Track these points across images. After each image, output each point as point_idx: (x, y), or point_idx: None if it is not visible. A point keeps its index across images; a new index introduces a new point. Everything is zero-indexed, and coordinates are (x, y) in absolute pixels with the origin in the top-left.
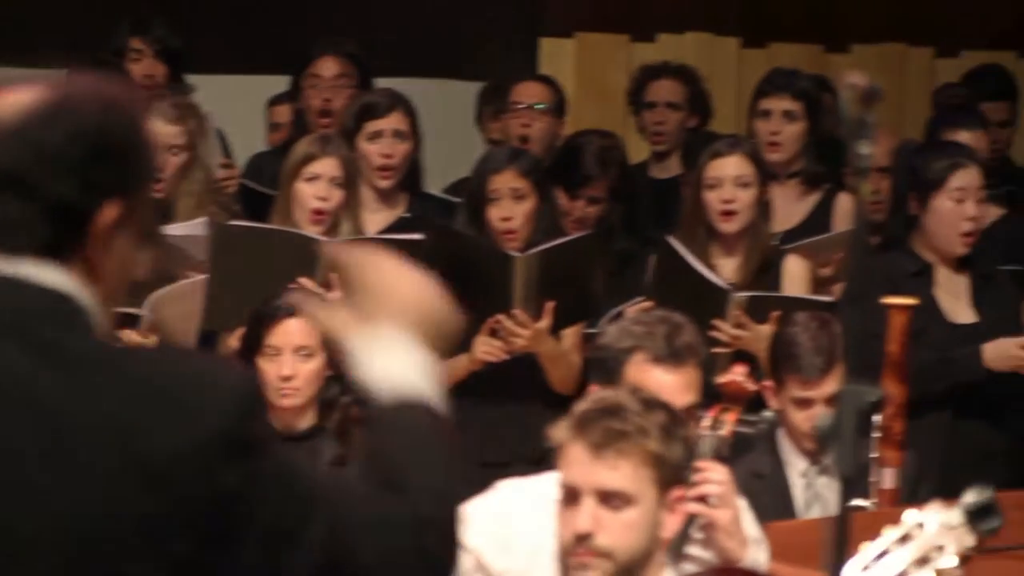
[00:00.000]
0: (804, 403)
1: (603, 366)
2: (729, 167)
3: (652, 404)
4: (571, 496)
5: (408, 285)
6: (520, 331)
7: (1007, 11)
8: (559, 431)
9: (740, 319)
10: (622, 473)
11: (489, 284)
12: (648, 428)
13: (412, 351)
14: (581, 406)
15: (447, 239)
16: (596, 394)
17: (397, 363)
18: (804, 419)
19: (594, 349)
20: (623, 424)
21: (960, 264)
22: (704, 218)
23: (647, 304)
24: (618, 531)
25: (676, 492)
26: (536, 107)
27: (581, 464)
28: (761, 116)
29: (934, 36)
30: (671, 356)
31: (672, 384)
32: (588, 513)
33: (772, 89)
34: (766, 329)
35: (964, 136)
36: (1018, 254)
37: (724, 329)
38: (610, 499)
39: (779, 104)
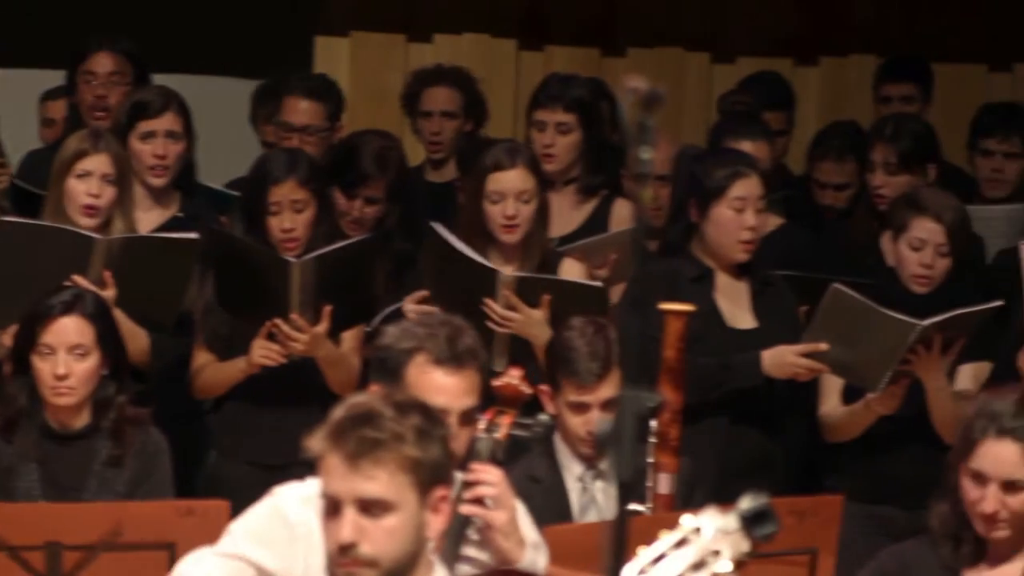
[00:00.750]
0: (580, 407)
1: (384, 366)
2: (511, 181)
3: (406, 407)
4: (332, 506)
5: None
6: (298, 335)
7: (784, 19)
8: (315, 442)
9: (511, 300)
10: (380, 481)
11: (266, 289)
12: (403, 433)
13: None
14: (336, 414)
15: (223, 244)
16: (349, 400)
17: None
18: (580, 424)
19: (375, 349)
20: (377, 432)
21: (740, 270)
22: (484, 227)
23: (422, 294)
24: (381, 539)
25: (438, 492)
26: (309, 129)
27: (338, 475)
28: (536, 127)
29: (710, 42)
30: (452, 359)
31: (452, 387)
32: (349, 523)
33: (546, 100)
34: (538, 314)
35: (747, 145)
36: (794, 262)
37: (495, 309)
38: (370, 507)
39: (552, 116)
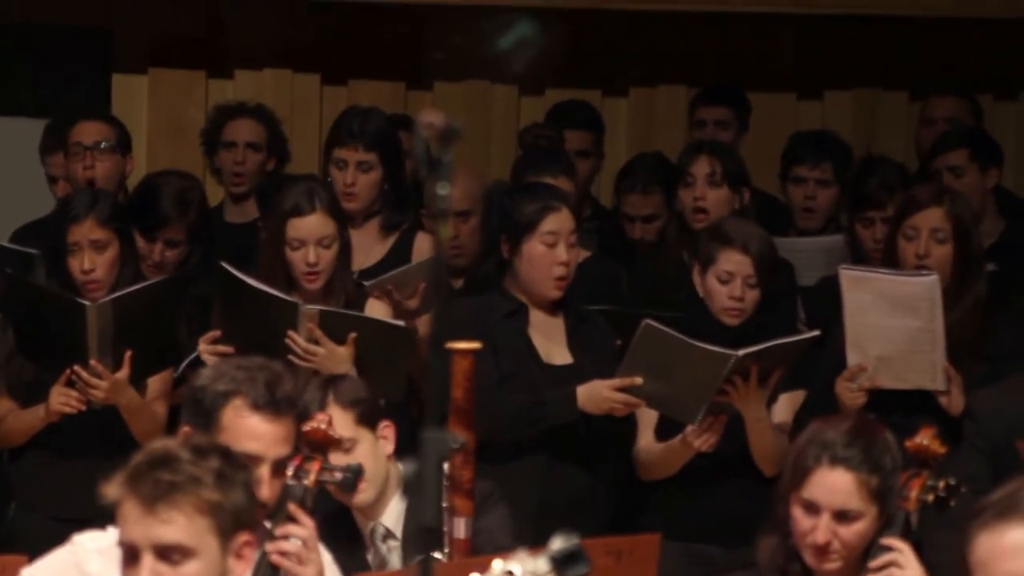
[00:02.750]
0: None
1: (198, 408)
2: (310, 228)
3: (205, 450)
4: (131, 554)
5: None
6: (97, 382)
7: (584, 49)
8: (111, 488)
9: (314, 334)
10: (177, 525)
11: (64, 333)
12: (201, 476)
13: None
14: (134, 460)
15: (18, 288)
16: (148, 446)
17: None
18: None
19: (189, 390)
20: (174, 475)
21: (554, 305)
22: (285, 271)
23: (215, 334)
24: None
25: (242, 538)
26: (100, 146)
27: (135, 520)
28: (336, 165)
29: (517, 74)
30: (270, 405)
31: (269, 434)
32: (148, 570)
33: (347, 138)
34: (343, 350)
35: (550, 180)
36: (604, 294)
37: (298, 342)
38: (169, 553)
39: (353, 155)
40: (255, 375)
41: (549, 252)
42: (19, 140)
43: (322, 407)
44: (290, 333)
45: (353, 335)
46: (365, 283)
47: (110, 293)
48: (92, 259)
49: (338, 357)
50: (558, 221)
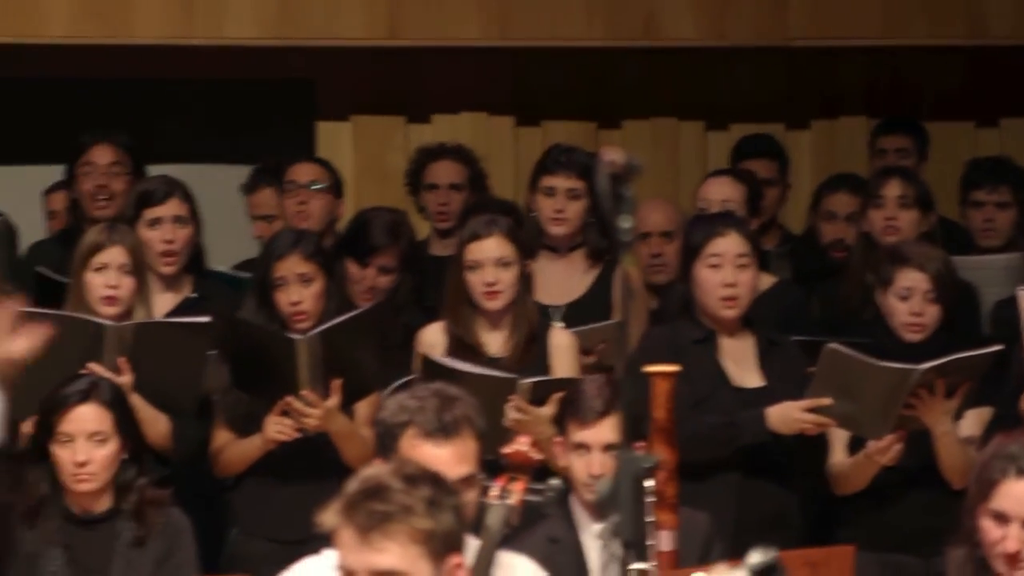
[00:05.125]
0: (581, 448)
1: (382, 441)
2: (488, 250)
3: (416, 479)
4: None
5: None
6: (309, 411)
7: (773, 85)
8: (328, 516)
9: (520, 405)
10: (391, 553)
11: (275, 367)
12: (412, 505)
13: None
14: (348, 488)
15: (232, 327)
16: (362, 474)
17: None
18: (582, 466)
19: (375, 423)
20: (386, 505)
21: (743, 329)
22: (467, 297)
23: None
24: None
25: (453, 560)
26: (312, 187)
27: (352, 548)
28: (544, 192)
29: (703, 110)
30: (440, 430)
31: (444, 457)
32: None
33: (555, 167)
34: (546, 411)
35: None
36: (793, 320)
37: (508, 415)
38: None
39: (564, 182)
40: (425, 403)
41: (714, 274)
42: (230, 186)
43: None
44: (507, 407)
45: (558, 396)
46: (571, 329)
47: (316, 325)
48: (299, 292)
49: (541, 418)
50: (723, 244)
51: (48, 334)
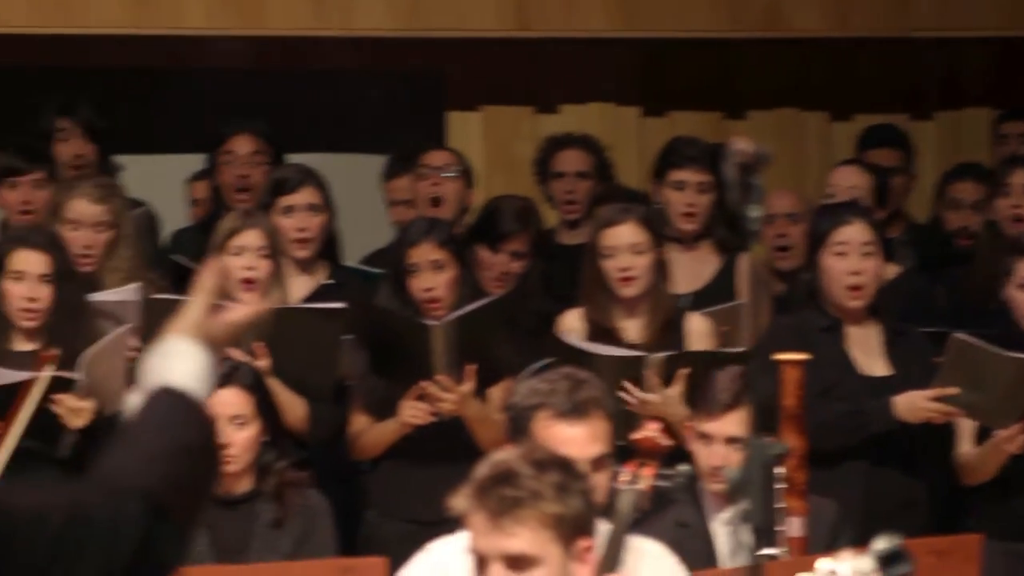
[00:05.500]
0: (705, 439)
1: (514, 425)
2: (623, 236)
3: (545, 464)
4: (481, 562)
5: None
6: (445, 396)
7: (897, 75)
8: (459, 501)
9: (651, 382)
10: (522, 538)
11: (411, 353)
12: (541, 490)
13: (194, 355)
14: (477, 473)
15: (367, 313)
16: (490, 459)
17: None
18: (704, 456)
19: (507, 408)
20: (516, 491)
21: (869, 318)
22: (604, 283)
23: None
24: None
25: (582, 543)
26: (445, 172)
27: (483, 533)
28: (673, 187)
29: (828, 101)
30: (572, 411)
31: (576, 437)
32: None
33: (683, 161)
34: (673, 391)
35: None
36: (918, 309)
37: (635, 393)
38: (516, 563)
39: (694, 176)
40: (556, 385)
41: (840, 262)
42: (362, 175)
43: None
44: (626, 385)
45: (684, 371)
46: (697, 312)
47: (450, 311)
48: (432, 279)
49: (669, 399)
50: (849, 232)
51: (265, 307)
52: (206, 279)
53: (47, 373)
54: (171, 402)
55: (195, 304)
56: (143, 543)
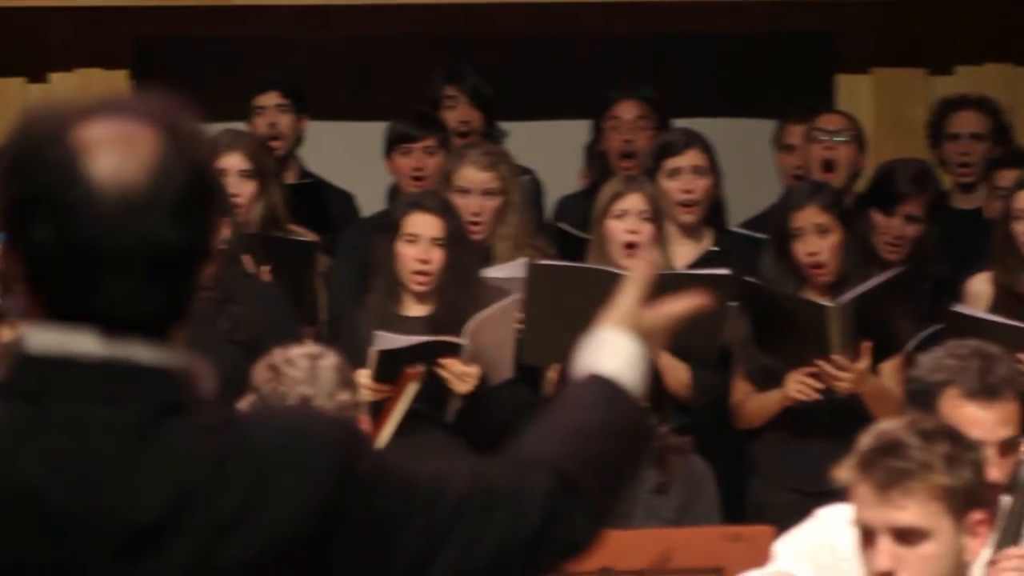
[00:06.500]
0: None
1: (917, 399)
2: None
3: (932, 435)
4: (867, 535)
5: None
6: (842, 375)
7: None
8: (844, 472)
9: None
10: (911, 511)
11: (802, 331)
12: (931, 462)
13: (625, 347)
14: (862, 444)
15: (755, 294)
16: (875, 429)
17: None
18: None
19: (908, 380)
20: (904, 462)
21: None
22: (1015, 247)
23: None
24: (919, 566)
25: (975, 515)
26: (836, 138)
27: (869, 505)
28: None
29: None
30: (985, 391)
31: (987, 420)
32: (885, 552)
33: None
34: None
35: None
36: None
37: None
38: (905, 536)
39: None
40: (967, 362)
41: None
42: (753, 138)
43: None
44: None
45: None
46: None
47: (834, 279)
48: (816, 243)
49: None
50: None
51: (703, 302)
52: (639, 269)
53: (412, 388)
54: (597, 386)
55: (628, 295)
56: (550, 518)
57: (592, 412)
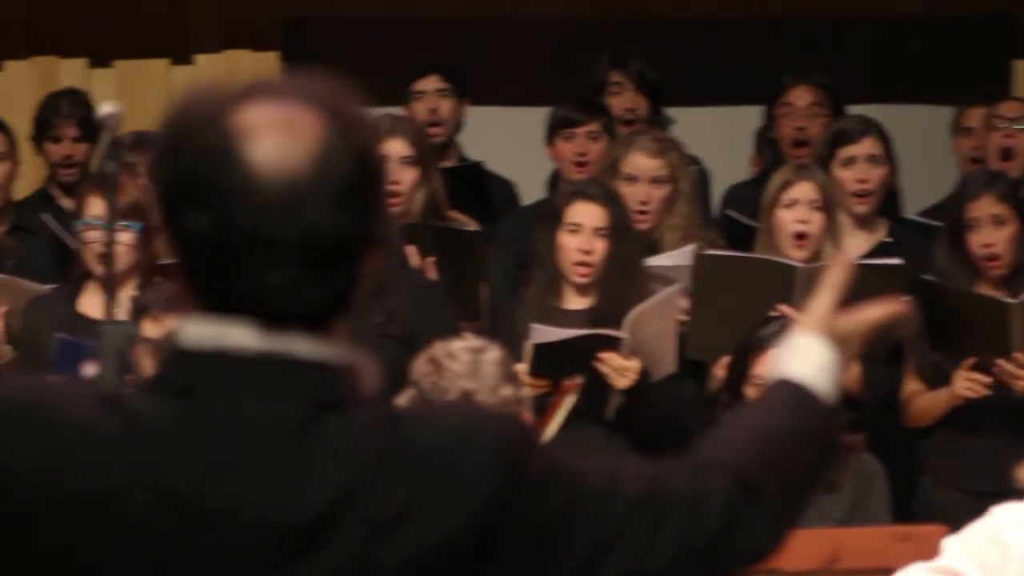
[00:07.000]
0: None
1: None
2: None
3: None
4: None
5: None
6: (1021, 373)
7: None
8: None
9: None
10: None
11: (982, 331)
12: None
13: (819, 352)
14: None
15: (930, 292)
16: None
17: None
18: None
19: None
20: None
21: None
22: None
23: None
24: None
25: None
26: (1016, 126)
27: None
28: None
29: None
30: None
31: None
32: None
33: None
34: None
35: None
36: None
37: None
38: None
39: None
40: None
41: None
42: (928, 126)
43: None
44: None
45: None
46: None
47: (1012, 272)
48: (991, 234)
49: None
50: None
51: (901, 310)
52: (834, 274)
53: (569, 400)
54: (786, 391)
55: (823, 299)
56: (729, 522)
57: (779, 416)
